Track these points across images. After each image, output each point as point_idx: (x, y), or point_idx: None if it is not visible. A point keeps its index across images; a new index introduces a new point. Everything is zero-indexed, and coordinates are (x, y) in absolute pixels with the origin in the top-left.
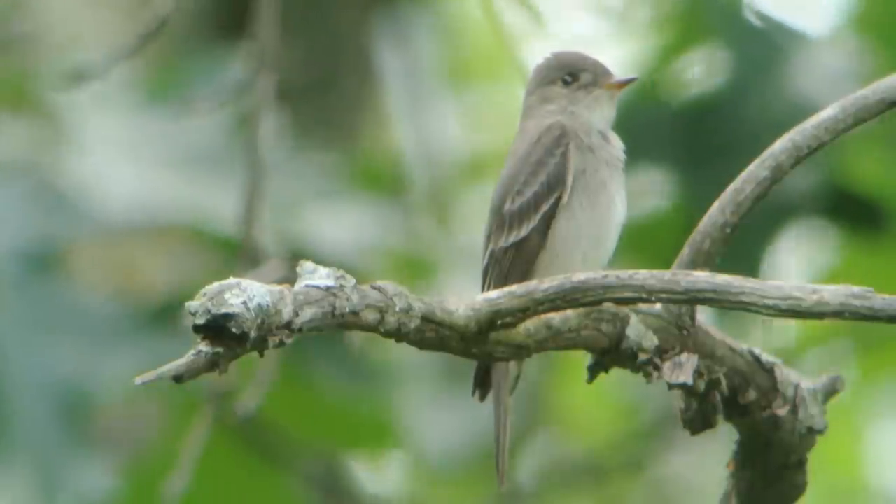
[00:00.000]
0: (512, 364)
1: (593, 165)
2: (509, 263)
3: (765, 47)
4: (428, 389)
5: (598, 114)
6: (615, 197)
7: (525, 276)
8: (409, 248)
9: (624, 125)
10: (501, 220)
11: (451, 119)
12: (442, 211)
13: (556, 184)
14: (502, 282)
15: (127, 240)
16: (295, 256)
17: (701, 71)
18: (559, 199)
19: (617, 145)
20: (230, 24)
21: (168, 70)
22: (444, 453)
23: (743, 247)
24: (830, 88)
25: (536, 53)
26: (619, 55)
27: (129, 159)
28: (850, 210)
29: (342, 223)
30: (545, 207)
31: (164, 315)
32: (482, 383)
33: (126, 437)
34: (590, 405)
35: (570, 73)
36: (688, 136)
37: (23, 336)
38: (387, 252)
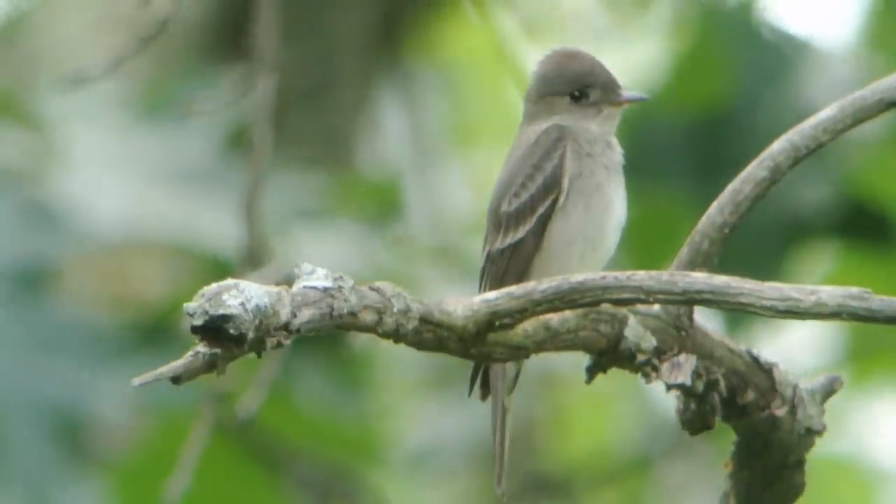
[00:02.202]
0: (509, 364)
1: (590, 168)
2: (505, 265)
3: (776, 60)
4: (423, 391)
5: (606, 129)
6: (613, 198)
7: (521, 277)
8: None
9: (636, 136)
10: (498, 222)
11: (456, 178)
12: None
13: (552, 186)
14: (498, 283)
15: (119, 253)
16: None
17: (713, 83)
18: (555, 201)
19: (617, 149)
20: (221, 42)
21: (159, 86)
22: (438, 455)
23: (756, 262)
24: (840, 97)
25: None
26: (630, 66)
27: (119, 176)
28: (861, 224)
29: (326, 246)
30: (541, 210)
31: (155, 332)
32: (484, 383)
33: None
34: (580, 419)
35: (578, 89)
36: (699, 148)
37: (14, 356)
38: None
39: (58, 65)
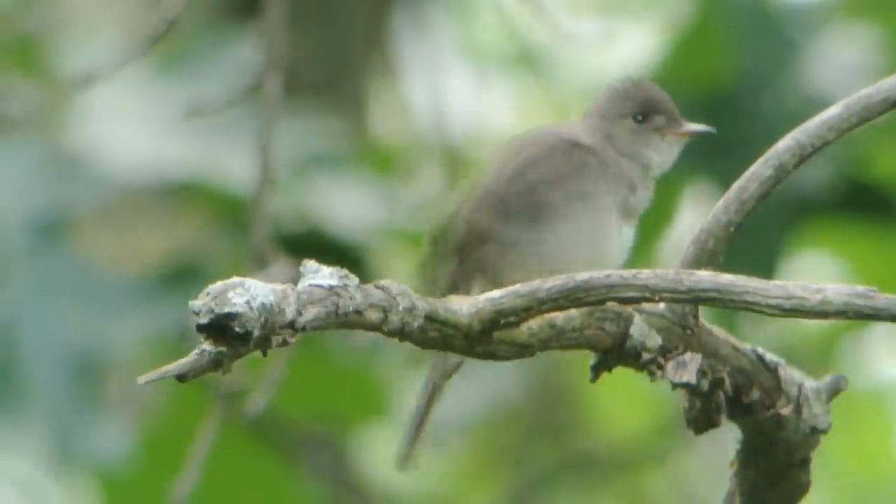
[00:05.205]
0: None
1: (601, 196)
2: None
3: (782, 41)
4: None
5: (664, 159)
6: (611, 238)
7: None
8: (419, 223)
9: None
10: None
11: (466, 94)
12: (454, 182)
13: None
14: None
15: (135, 209)
16: (309, 234)
17: (716, 62)
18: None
19: (644, 194)
20: (242, 7)
21: (178, 44)
22: (445, 426)
23: (760, 241)
24: (845, 81)
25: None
26: (632, 49)
27: (137, 126)
28: (864, 202)
29: (350, 197)
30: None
31: (172, 280)
32: None
33: (135, 404)
34: (614, 399)
35: (642, 112)
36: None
37: (35, 302)
38: (394, 229)
39: (70, 32)
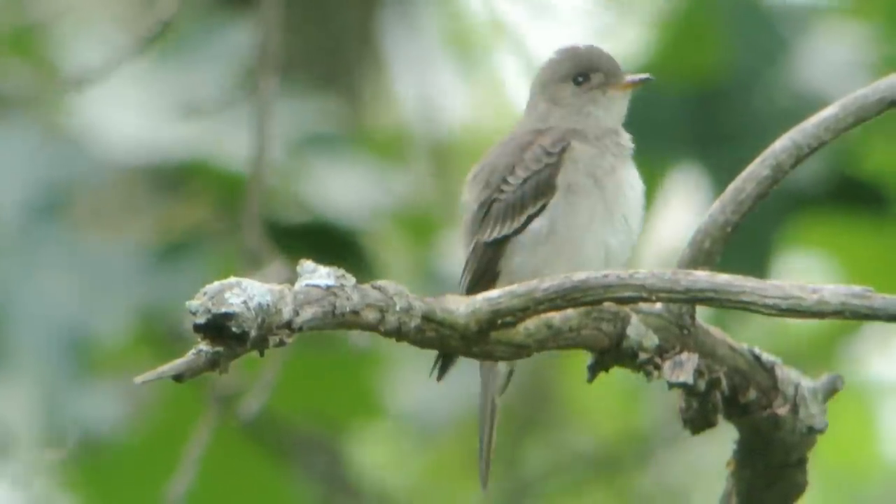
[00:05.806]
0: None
1: (599, 161)
2: (487, 260)
3: (771, 36)
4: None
5: (613, 113)
6: (623, 183)
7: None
8: (412, 208)
9: (631, 112)
10: (486, 214)
11: (453, 86)
12: (443, 171)
13: (545, 189)
14: (479, 276)
15: (133, 188)
16: (307, 220)
17: (705, 56)
18: (545, 205)
19: (625, 137)
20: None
21: (175, 33)
22: (428, 424)
23: (752, 235)
24: (836, 78)
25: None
26: (626, 42)
27: (136, 109)
28: (857, 197)
29: (347, 181)
30: (531, 210)
31: (165, 257)
32: (444, 364)
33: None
34: (598, 397)
35: (580, 74)
36: (695, 124)
37: (29, 277)
38: (392, 212)
39: (66, 18)
